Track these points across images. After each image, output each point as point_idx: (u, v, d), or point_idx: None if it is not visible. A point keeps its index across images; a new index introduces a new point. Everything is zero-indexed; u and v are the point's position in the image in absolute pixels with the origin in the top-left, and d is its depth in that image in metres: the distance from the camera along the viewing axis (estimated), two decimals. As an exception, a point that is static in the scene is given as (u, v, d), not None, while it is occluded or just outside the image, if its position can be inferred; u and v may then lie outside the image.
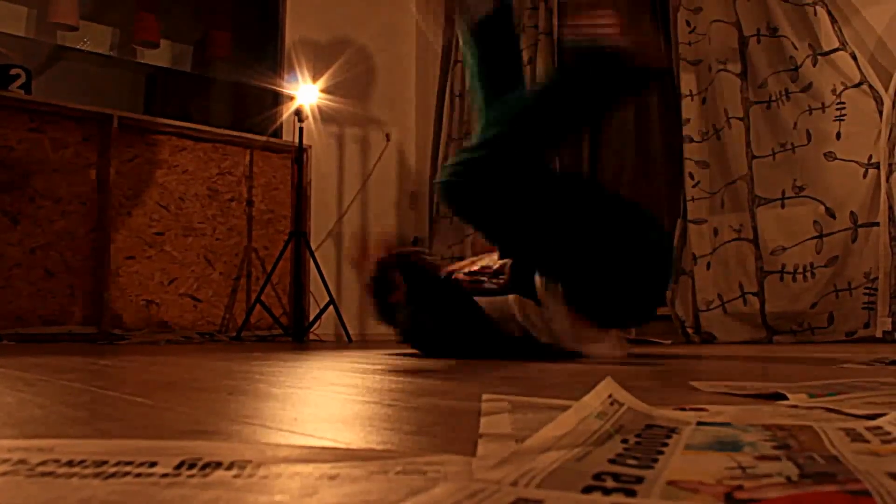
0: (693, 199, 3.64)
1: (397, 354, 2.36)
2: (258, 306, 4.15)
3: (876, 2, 3.27)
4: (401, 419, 0.73)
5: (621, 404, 0.65)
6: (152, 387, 1.14)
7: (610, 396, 0.65)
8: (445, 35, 4.31)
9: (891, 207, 3.04)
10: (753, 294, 3.41)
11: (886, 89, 3.10)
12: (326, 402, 0.93)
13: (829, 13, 3.28)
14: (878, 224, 3.08)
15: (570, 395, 0.80)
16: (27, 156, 3.75)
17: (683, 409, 0.73)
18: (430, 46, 5.32)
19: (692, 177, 3.66)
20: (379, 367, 1.68)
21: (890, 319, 3.01)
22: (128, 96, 4.69)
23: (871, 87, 3.15)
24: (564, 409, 0.68)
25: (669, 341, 3.55)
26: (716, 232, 3.56)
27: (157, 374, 1.44)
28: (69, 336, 3.76)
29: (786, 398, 0.85)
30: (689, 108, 3.72)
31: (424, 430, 0.66)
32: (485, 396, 0.80)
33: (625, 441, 0.54)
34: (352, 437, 0.62)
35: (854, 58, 3.20)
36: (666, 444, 0.53)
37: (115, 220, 3.96)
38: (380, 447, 0.57)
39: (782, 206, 3.38)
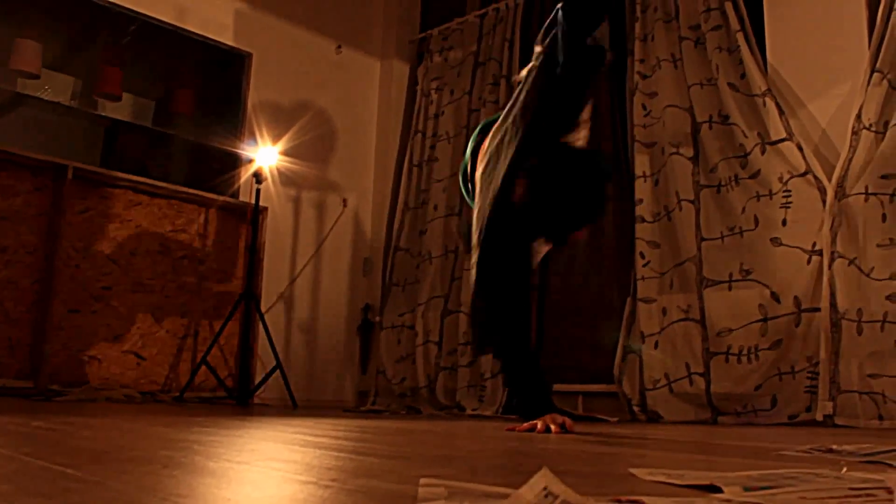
0: (643, 279, 3.70)
1: (340, 425, 2.33)
2: (203, 367, 4.08)
3: (820, 97, 3.41)
4: (335, 503, 0.72)
5: (556, 496, 0.65)
6: (84, 456, 1.11)
7: (544, 489, 0.65)
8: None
9: (833, 294, 3.12)
10: (699, 374, 3.44)
11: (829, 180, 3.22)
12: (263, 480, 0.92)
13: (778, 105, 3.41)
14: (819, 310, 3.16)
15: (509, 480, 0.80)
16: (-25, 203, 3.69)
17: (619, 502, 0.73)
18: (392, 114, 5.40)
19: (643, 256, 3.73)
20: (321, 439, 1.65)
21: (831, 404, 3.06)
22: (85, 147, 4.64)
23: (815, 177, 3.26)
24: (500, 497, 0.68)
25: (615, 419, 3.56)
26: (664, 311, 3.61)
27: (92, 441, 1.41)
28: (3, 390, 3.65)
29: (721, 491, 0.86)
30: (641, 189, 3.81)
31: (357, 518, 0.65)
32: (422, 481, 0.79)
33: (555, 539, 0.54)
34: (282, 524, 0.61)
35: (800, 148, 3.32)
36: (595, 544, 0.53)
37: (62, 272, 3.88)
38: (309, 537, 0.56)
39: (729, 289, 3.45)
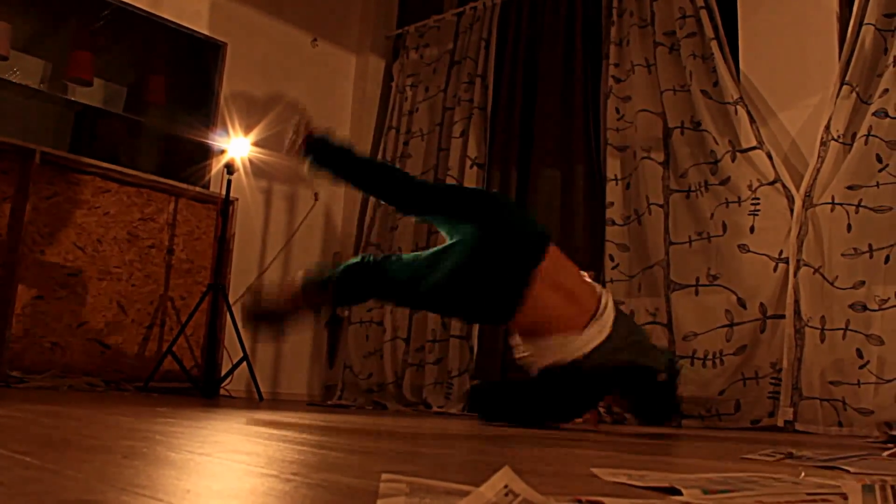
0: (612, 281, 3.72)
1: (305, 418, 2.32)
2: (169, 357, 4.04)
3: (791, 107, 3.46)
4: (295, 497, 0.72)
5: (516, 495, 0.66)
6: (43, 443, 1.09)
7: (505, 487, 0.66)
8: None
9: (797, 301, 3.17)
10: (664, 378, 3.47)
11: (798, 189, 3.26)
12: (224, 472, 0.91)
13: (749, 113, 3.45)
14: (784, 317, 3.20)
15: (472, 478, 0.80)
16: (-62, 185, 3.62)
17: (579, 502, 0.74)
18: (366, 109, 5.38)
19: (612, 259, 3.75)
20: (285, 432, 1.65)
21: (792, 409, 3.11)
22: (54, 132, 4.57)
23: (784, 185, 3.31)
24: (462, 494, 0.68)
25: (581, 419, 3.58)
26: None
27: (51, 429, 1.39)
28: (-36, 376, 3.59)
29: (680, 493, 0.86)
30: (613, 192, 3.83)
31: (318, 512, 0.65)
32: (384, 476, 0.79)
33: (514, 537, 0.54)
34: (242, 516, 0.61)
35: (770, 157, 3.37)
36: (554, 543, 0.54)
37: (27, 258, 3.83)
38: (269, 530, 0.56)
39: (696, 293, 3.48)
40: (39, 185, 3.90)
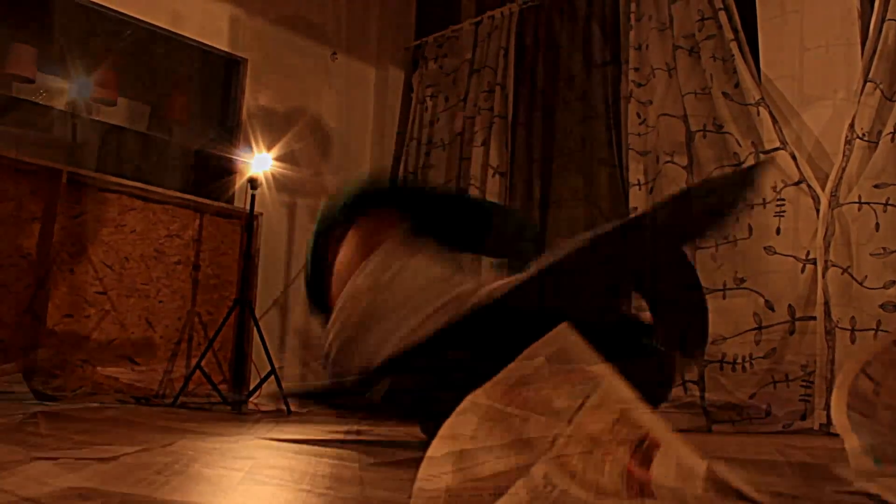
0: (638, 286, 3.70)
1: (335, 431, 2.33)
2: (198, 372, 4.06)
3: (814, 106, 3.43)
4: (331, 511, 0.72)
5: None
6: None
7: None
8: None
9: (826, 302, 3.13)
10: (694, 382, 3.45)
11: (823, 189, 3.23)
12: (258, 488, 0.91)
13: (771, 114, 3.42)
14: (814, 318, 3.16)
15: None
16: (-31, 207, 3.68)
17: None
18: (387, 121, 5.40)
19: (637, 263, 3.72)
20: (315, 446, 1.65)
21: (826, 412, 3.07)
22: (80, 152, 4.63)
23: (809, 186, 3.27)
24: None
25: (610, 426, 3.56)
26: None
27: (85, 445, 1.40)
28: (-3, 395, 3.63)
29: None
30: (636, 198, 3.81)
31: (353, 526, 0.65)
32: (416, 487, 0.79)
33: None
34: (278, 532, 0.61)
35: (793, 157, 3.33)
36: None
37: (56, 277, 3.87)
38: (306, 545, 0.56)
39: (724, 297, 3.45)
40: (67, 204, 3.94)
